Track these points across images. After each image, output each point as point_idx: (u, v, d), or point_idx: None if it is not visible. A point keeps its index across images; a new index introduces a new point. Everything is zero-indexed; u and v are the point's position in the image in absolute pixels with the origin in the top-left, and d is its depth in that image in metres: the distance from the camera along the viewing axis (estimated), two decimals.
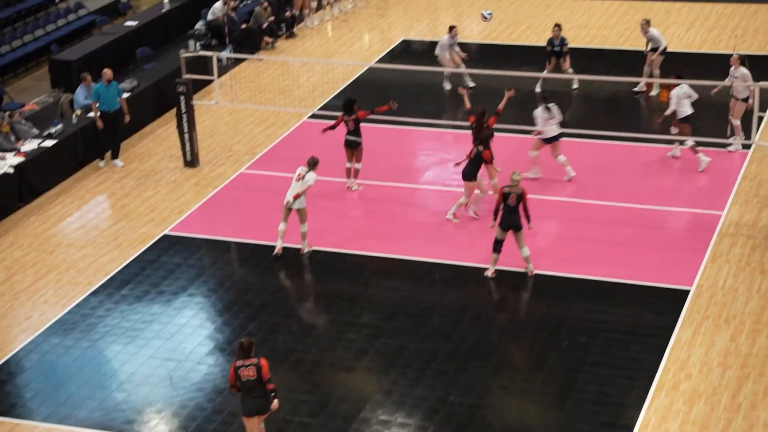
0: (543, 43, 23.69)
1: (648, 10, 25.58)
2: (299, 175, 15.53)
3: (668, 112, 17.88)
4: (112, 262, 16.10)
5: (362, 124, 17.50)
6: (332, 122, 17.71)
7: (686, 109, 17.78)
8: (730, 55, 18.90)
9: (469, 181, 16.24)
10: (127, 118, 19.08)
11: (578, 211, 16.84)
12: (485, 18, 20.13)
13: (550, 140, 17.41)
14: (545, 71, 21.09)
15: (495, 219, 14.85)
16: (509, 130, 18.11)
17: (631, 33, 24.09)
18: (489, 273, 15.13)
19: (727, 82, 18.27)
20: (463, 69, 21.26)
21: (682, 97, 17.76)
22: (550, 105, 17.34)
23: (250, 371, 11.28)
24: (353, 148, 17.44)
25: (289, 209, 15.58)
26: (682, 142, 18.01)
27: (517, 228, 14.70)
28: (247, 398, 11.39)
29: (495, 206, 14.82)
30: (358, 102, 17.57)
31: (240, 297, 15.05)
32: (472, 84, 21.40)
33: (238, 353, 11.36)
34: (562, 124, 17.67)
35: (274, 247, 15.91)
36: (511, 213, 14.64)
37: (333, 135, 17.72)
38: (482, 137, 16.41)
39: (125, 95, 19.84)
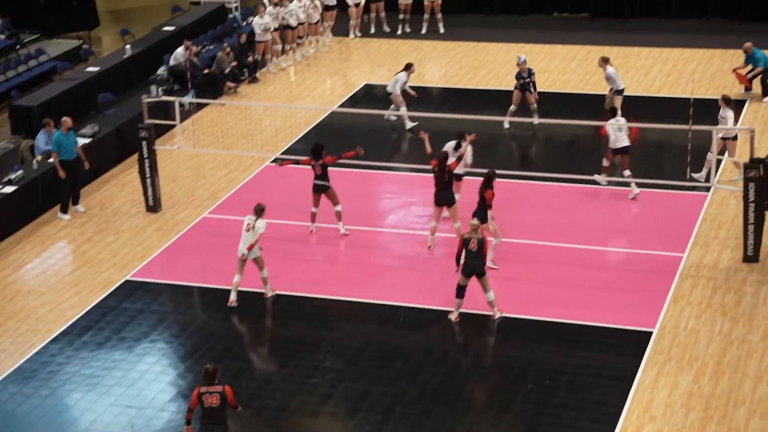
0: (504, 87, 23.98)
1: (607, 55, 25.85)
2: (248, 225, 15.39)
3: (611, 144, 18.49)
4: (73, 309, 15.92)
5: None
6: (298, 158, 17.67)
7: (622, 142, 18.36)
8: (688, 99, 19.16)
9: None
10: (86, 165, 18.98)
11: (541, 254, 16.91)
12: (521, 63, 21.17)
13: (459, 178, 17.74)
14: (512, 106, 21.44)
15: (457, 265, 14.87)
16: (473, 174, 18.19)
17: (591, 77, 24.38)
18: (453, 317, 15.13)
19: (718, 129, 18.57)
20: (404, 110, 21.52)
21: (615, 130, 18.34)
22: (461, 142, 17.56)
23: (213, 399, 11.09)
24: (321, 192, 17.42)
25: (244, 261, 15.50)
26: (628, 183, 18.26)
27: (480, 274, 14.74)
28: (206, 426, 11.11)
29: (456, 252, 14.86)
30: (327, 142, 17.64)
31: (203, 342, 14.92)
32: (413, 124, 21.65)
33: (203, 380, 11.16)
34: (526, 167, 17.80)
35: (237, 291, 15.79)
36: (473, 259, 14.67)
37: (295, 178, 17.70)
38: (445, 181, 16.54)
39: (87, 141, 19.77)
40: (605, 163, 18.77)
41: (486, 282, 14.83)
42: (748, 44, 22.71)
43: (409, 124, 21.80)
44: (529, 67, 21.62)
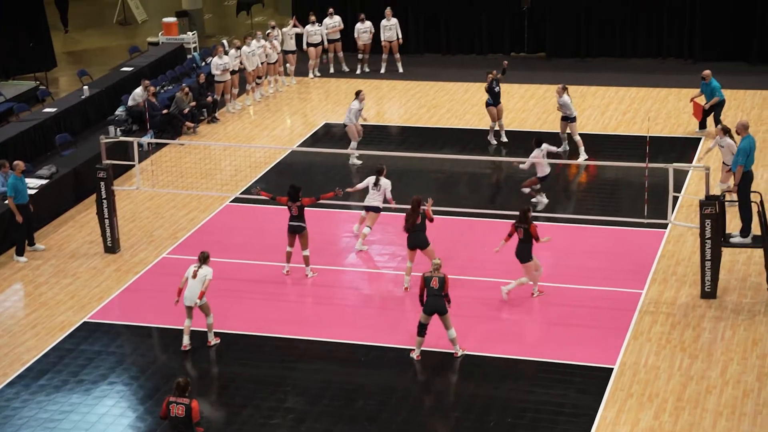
0: (463, 125, 24.16)
1: None
2: (194, 272, 15.25)
3: (524, 166, 19.63)
4: (29, 352, 15.71)
5: (283, 207, 17.46)
6: (275, 196, 17.58)
7: (545, 169, 19.46)
8: (645, 137, 19.39)
9: (526, 263, 16.34)
10: (31, 208, 18.77)
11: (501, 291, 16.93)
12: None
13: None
14: (492, 123, 22.43)
15: (422, 304, 14.87)
16: (442, 212, 18.23)
17: (549, 116, 24.62)
18: (414, 355, 15.09)
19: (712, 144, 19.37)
20: (354, 144, 21.84)
21: (539, 157, 19.38)
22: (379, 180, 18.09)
23: (179, 409, 11.75)
24: (297, 233, 17.32)
25: (191, 308, 15.35)
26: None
27: (441, 312, 14.74)
28: None
29: (419, 292, 14.88)
30: (280, 186, 17.58)
31: (162, 384, 14.76)
32: (359, 162, 21.86)
33: (174, 390, 11.91)
34: (484, 205, 17.87)
35: (197, 332, 15.66)
36: (435, 297, 14.70)
37: (255, 219, 17.61)
38: (416, 224, 16.63)
39: (44, 182, 19.65)
40: (527, 190, 19.73)
41: (447, 320, 14.83)
42: (707, 72, 22.95)
43: (354, 160, 21.91)
44: (497, 77, 22.51)
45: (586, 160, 21.47)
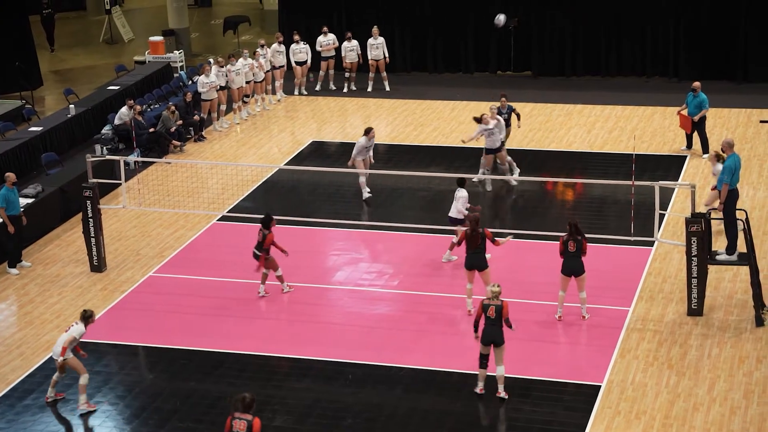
0: (449, 143, 24.20)
1: (550, 112, 26.31)
2: (68, 327, 14.62)
3: (471, 137, 20.82)
4: (15, 372, 15.61)
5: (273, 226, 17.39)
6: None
7: (494, 142, 20.57)
8: (631, 155, 19.45)
9: (582, 275, 16.22)
10: (24, 221, 18.81)
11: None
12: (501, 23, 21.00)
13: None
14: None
15: (476, 331, 14.39)
16: (428, 230, 18.26)
17: (535, 134, 24.69)
18: (477, 389, 14.56)
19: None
20: (363, 179, 21.01)
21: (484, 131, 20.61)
22: None
23: (241, 425, 11.70)
24: (256, 259, 17.21)
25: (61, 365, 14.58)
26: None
27: (497, 343, 14.16)
28: None
29: (475, 318, 14.36)
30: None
31: (149, 403, 14.69)
32: (368, 194, 21.12)
33: (238, 405, 11.71)
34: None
35: (184, 350, 15.61)
36: (492, 326, 14.12)
37: (243, 237, 17.54)
38: (477, 244, 16.32)
39: (30, 201, 19.62)
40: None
41: (501, 354, 14.25)
42: (697, 83, 23.01)
43: (365, 194, 21.18)
44: (509, 104, 22.14)
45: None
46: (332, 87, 28.55)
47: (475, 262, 16.47)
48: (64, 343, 14.36)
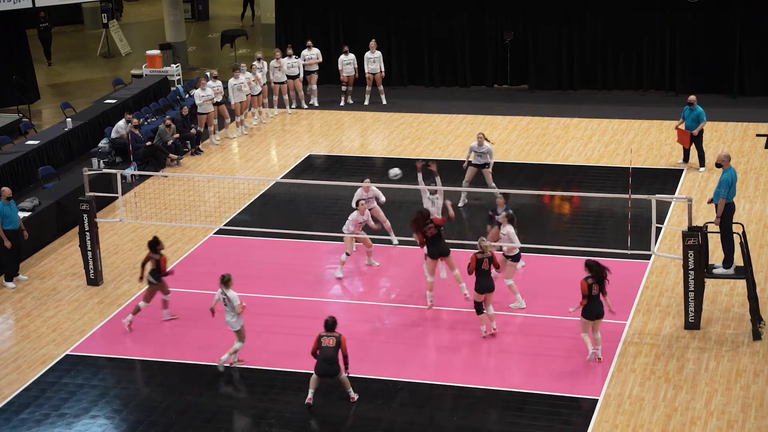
0: (446, 156, 24.22)
1: (547, 126, 26.36)
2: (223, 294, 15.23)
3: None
4: (11, 385, 15.58)
5: (266, 232, 17.36)
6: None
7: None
8: (627, 168, 19.48)
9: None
10: (25, 235, 18.78)
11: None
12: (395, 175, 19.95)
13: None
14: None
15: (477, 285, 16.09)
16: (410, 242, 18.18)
17: (532, 147, 24.72)
18: (483, 332, 16.23)
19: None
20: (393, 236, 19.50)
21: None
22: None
23: (330, 341, 14.32)
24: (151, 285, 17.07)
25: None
26: None
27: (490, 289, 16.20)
28: (321, 363, 14.39)
29: (469, 268, 16.08)
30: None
31: (145, 417, 14.66)
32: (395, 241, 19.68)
33: (324, 328, 14.36)
34: (468, 237, 17.88)
35: (180, 364, 15.57)
36: (486, 278, 16.08)
37: (240, 250, 17.50)
38: (434, 234, 17.24)
39: (26, 214, 19.61)
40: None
41: (491, 297, 16.31)
42: (692, 97, 23.05)
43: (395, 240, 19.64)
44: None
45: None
46: (315, 104, 28.33)
47: (437, 249, 17.16)
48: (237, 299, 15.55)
